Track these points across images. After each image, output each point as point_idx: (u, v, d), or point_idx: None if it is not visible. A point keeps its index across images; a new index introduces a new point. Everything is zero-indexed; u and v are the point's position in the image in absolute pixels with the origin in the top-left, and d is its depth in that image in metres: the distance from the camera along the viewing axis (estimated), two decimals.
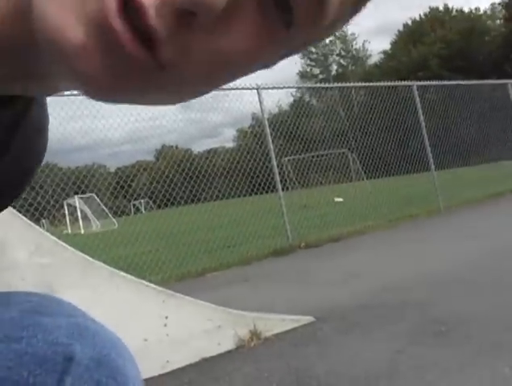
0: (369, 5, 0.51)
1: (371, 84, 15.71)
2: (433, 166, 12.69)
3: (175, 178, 12.31)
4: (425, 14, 67.53)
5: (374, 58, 76.32)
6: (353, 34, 77.80)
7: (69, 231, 23.92)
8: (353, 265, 6.82)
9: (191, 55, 0.43)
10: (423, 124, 12.72)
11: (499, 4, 63.42)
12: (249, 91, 10.33)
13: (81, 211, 26.24)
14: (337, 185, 19.26)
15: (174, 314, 3.77)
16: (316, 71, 79.19)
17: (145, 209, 28.64)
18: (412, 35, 64.66)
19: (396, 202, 12.60)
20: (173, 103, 0.50)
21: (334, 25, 0.49)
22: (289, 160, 17.72)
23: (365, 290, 5.24)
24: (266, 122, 10.18)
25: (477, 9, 74.73)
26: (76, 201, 25.06)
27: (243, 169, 12.64)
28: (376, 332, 3.91)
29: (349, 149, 18.64)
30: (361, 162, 18.68)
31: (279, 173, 10.38)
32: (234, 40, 0.43)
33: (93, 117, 9.58)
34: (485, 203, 12.07)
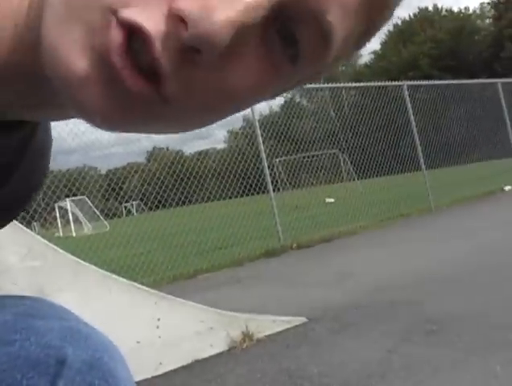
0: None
1: (361, 84, 15.75)
2: (424, 166, 12.71)
3: (166, 180, 12.27)
4: (415, 14, 67.81)
5: (365, 58, 76.41)
6: None
7: (61, 234, 23.83)
8: (344, 266, 6.82)
9: (195, 90, 0.43)
10: (414, 123, 12.75)
11: (488, 4, 63.76)
12: None
13: (73, 213, 26.13)
14: (328, 185, 19.27)
15: (166, 316, 3.77)
16: None
17: (136, 211, 28.53)
18: (402, 35, 64.90)
19: (387, 202, 12.61)
20: (176, 132, 0.51)
21: (337, 61, 0.50)
22: (280, 161, 17.71)
23: (357, 290, 5.25)
24: (257, 123, 10.18)
25: (467, 8, 75.37)
26: (68, 204, 24.96)
27: (234, 170, 12.64)
28: (368, 332, 3.92)
29: (340, 149, 18.64)
30: (352, 163, 18.69)
31: (270, 174, 10.39)
32: (239, 75, 0.44)
33: None
34: (476, 202, 12.11)
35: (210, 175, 14.79)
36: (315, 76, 0.53)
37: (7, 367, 0.58)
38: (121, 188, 14.25)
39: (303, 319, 4.43)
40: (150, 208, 14.37)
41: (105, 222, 23.07)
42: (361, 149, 15.00)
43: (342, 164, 19.85)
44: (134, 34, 0.40)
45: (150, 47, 0.40)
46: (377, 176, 14.80)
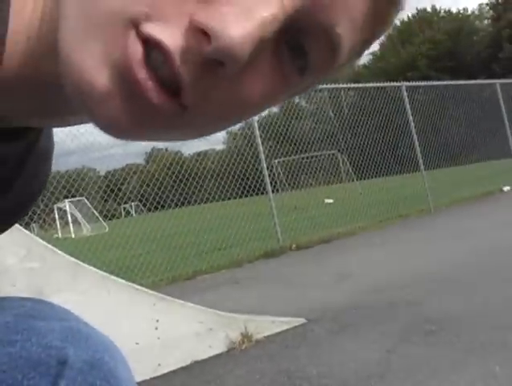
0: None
1: (360, 85, 15.72)
2: (423, 167, 12.71)
3: (165, 181, 12.27)
4: (413, 15, 67.80)
5: (363, 59, 75.93)
6: None
7: (60, 235, 23.79)
8: (343, 266, 6.82)
9: (212, 99, 0.45)
10: (413, 124, 12.74)
11: (486, 4, 63.81)
12: None
13: (72, 215, 26.12)
14: (327, 186, 19.26)
15: (165, 317, 3.77)
16: None
17: (135, 212, 28.51)
18: (401, 36, 64.87)
19: (386, 202, 12.61)
20: (191, 139, 0.52)
21: (340, 68, 0.52)
22: (279, 162, 17.73)
23: (356, 291, 5.25)
24: (256, 124, 10.17)
25: (465, 9, 75.39)
26: (67, 205, 24.94)
27: (233, 171, 12.63)
28: (367, 332, 3.92)
29: (339, 150, 18.65)
30: (350, 163, 18.71)
31: (269, 175, 10.39)
32: (253, 86, 0.45)
33: None
34: (475, 203, 12.12)
35: (209, 176, 14.79)
36: (318, 82, 0.54)
37: (8, 367, 0.58)
38: (119, 189, 14.22)
39: (302, 320, 4.43)
40: (149, 209, 14.37)
41: (104, 223, 23.08)
42: (360, 149, 15.01)
43: (341, 165, 19.85)
44: (153, 48, 0.41)
45: (170, 61, 0.41)
46: (375, 177, 14.81)
